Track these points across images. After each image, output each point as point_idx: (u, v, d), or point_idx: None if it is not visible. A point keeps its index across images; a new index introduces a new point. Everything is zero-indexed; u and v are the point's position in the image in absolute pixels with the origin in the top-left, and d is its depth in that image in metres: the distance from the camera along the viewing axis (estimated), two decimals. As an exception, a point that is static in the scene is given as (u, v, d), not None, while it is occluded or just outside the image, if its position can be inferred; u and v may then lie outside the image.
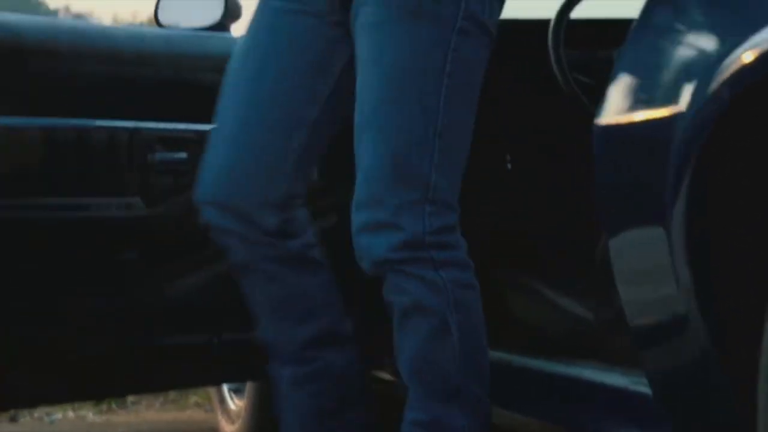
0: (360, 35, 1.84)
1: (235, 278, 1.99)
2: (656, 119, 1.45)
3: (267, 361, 2.03)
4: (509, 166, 2.67)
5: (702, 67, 1.39)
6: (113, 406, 3.37)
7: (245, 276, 1.97)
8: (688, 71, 1.42)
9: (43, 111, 2.15)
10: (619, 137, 1.52)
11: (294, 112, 1.91)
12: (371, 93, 1.81)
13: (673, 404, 1.57)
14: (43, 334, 2.13)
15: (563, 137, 2.51)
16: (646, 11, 1.50)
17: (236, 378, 2.63)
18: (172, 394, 3.46)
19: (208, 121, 2.01)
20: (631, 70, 1.51)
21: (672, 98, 1.44)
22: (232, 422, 2.83)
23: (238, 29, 2.39)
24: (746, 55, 1.32)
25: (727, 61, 1.35)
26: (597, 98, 2.27)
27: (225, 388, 2.88)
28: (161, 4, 2.53)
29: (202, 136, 2.06)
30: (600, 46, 2.40)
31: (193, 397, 3.45)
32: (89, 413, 3.34)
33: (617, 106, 1.52)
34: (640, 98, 1.50)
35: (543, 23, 2.41)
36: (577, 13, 2.42)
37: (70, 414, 3.33)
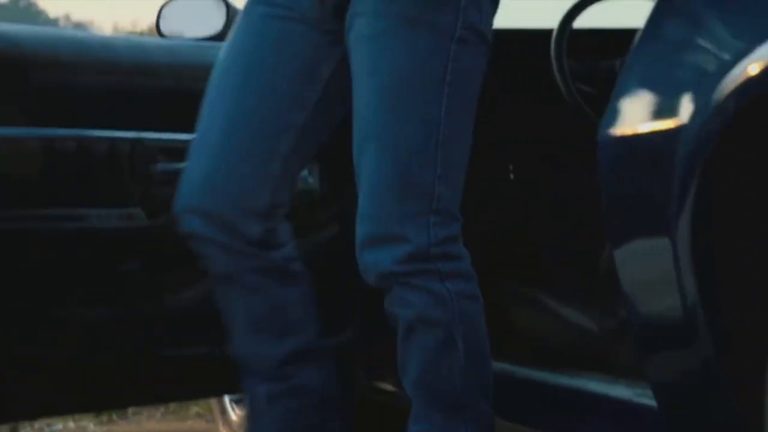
0: (356, 47, 1.82)
1: (215, 289, 1.96)
2: (661, 131, 1.45)
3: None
4: (512, 175, 2.66)
5: (707, 79, 1.39)
6: (114, 416, 3.37)
7: (226, 287, 1.93)
8: (693, 83, 1.42)
9: (45, 121, 2.15)
10: (624, 148, 1.51)
11: (281, 118, 1.88)
12: (371, 105, 1.80)
13: (678, 416, 1.56)
14: (43, 345, 2.13)
15: (566, 147, 2.50)
16: (651, 22, 1.49)
17: (237, 389, 2.62)
18: (173, 405, 3.45)
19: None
20: (635, 81, 1.51)
21: (677, 110, 1.43)
22: (234, 433, 2.82)
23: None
24: (752, 67, 1.32)
25: (733, 73, 1.34)
26: (600, 108, 2.27)
27: (226, 398, 2.87)
28: (163, 14, 2.53)
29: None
30: (602, 55, 2.39)
31: (194, 408, 3.44)
32: (90, 424, 3.33)
33: (622, 117, 1.52)
34: (645, 109, 1.49)
35: (545, 33, 2.41)
36: (580, 22, 2.42)
37: (71, 425, 3.32)
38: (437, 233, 1.79)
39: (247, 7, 1.92)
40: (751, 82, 1.32)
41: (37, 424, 3.29)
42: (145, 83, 2.27)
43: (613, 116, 1.53)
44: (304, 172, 2.43)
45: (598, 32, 2.64)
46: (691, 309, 1.46)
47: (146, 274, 2.17)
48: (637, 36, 1.51)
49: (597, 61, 2.40)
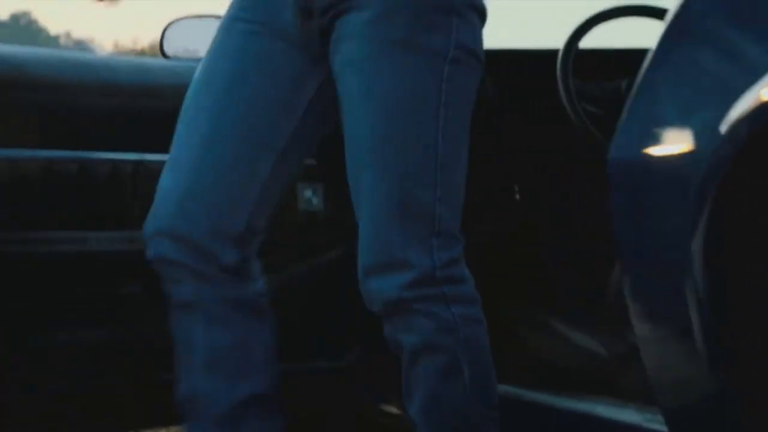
0: (346, 72, 1.77)
1: (173, 318, 1.84)
2: (673, 155, 1.44)
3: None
4: (518, 196, 2.65)
5: (719, 103, 1.37)
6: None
7: (187, 316, 1.82)
8: (705, 107, 1.41)
9: (47, 143, 2.14)
10: (636, 172, 1.50)
11: (261, 139, 1.81)
12: (366, 130, 1.75)
13: (690, 443, 1.55)
14: (42, 368, 2.12)
15: (572, 167, 2.49)
16: (663, 44, 1.48)
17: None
18: (173, 429, 3.43)
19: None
20: (647, 103, 1.50)
21: (689, 134, 1.42)
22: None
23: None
24: (764, 91, 1.31)
25: (745, 97, 1.33)
26: (605, 128, 2.26)
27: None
28: (167, 35, 2.53)
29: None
30: (608, 76, 2.39)
31: None
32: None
33: (633, 140, 1.51)
34: (657, 132, 1.48)
35: (552, 53, 2.40)
36: (585, 42, 2.41)
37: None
38: (441, 256, 1.77)
39: (225, 23, 1.85)
40: (764, 107, 1.31)
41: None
42: (148, 104, 2.26)
43: (623, 139, 1.51)
44: (308, 193, 2.41)
45: (604, 52, 2.64)
46: (704, 334, 1.44)
47: (148, 297, 2.16)
48: (648, 57, 1.49)
49: (603, 81, 2.39)
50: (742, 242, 1.42)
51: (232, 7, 1.87)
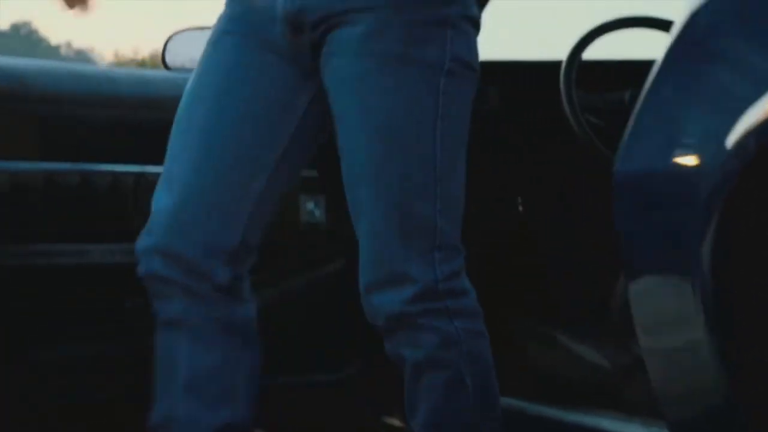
0: (340, 88, 1.75)
1: (156, 336, 1.81)
2: (679, 169, 1.43)
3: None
4: (521, 208, 2.65)
5: (727, 117, 1.37)
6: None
7: (172, 334, 1.79)
8: (713, 120, 1.40)
9: (48, 155, 2.14)
10: (642, 185, 1.49)
11: (254, 154, 1.80)
12: (363, 146, 1.74)
13: (696, 458, 1.54)
14: (44, 381, 2.11)
15: (576, 179, 2.49)
16: (670, 55, 1.47)
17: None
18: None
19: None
20: (653, 117, 1.49)
21: (696, 148, 1.41)
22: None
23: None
24: (773, 103, 1.30)
25: (753, 111, 1.32)
26: (608, 140, 2.26)
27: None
28: (169, 47, 2.53)
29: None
30: (611, 87, 2.38)
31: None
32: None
33: (639, 154, 1.50)
34: (663, 146, 1.47)
35: (555, 65, 2.40)
36: (588, 54, 2.41)
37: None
38: (443, 270, 1.76)
39: (216, 37, 1.84)
40: (772, 119, 1.30)
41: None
42: (149, 116, 2.25)
43: (629, 152, 1.51)
44: (311, 205, 2.41)
45: (607, 64, 2.63)
46: (709, 347, 1.43)
47: (149, 310, 2.15)
48: (654, 69, 1.49)
49: (606, 92, 2.39)
50: (749, 256, 1.41)
51: (221, 20, 1.85)
